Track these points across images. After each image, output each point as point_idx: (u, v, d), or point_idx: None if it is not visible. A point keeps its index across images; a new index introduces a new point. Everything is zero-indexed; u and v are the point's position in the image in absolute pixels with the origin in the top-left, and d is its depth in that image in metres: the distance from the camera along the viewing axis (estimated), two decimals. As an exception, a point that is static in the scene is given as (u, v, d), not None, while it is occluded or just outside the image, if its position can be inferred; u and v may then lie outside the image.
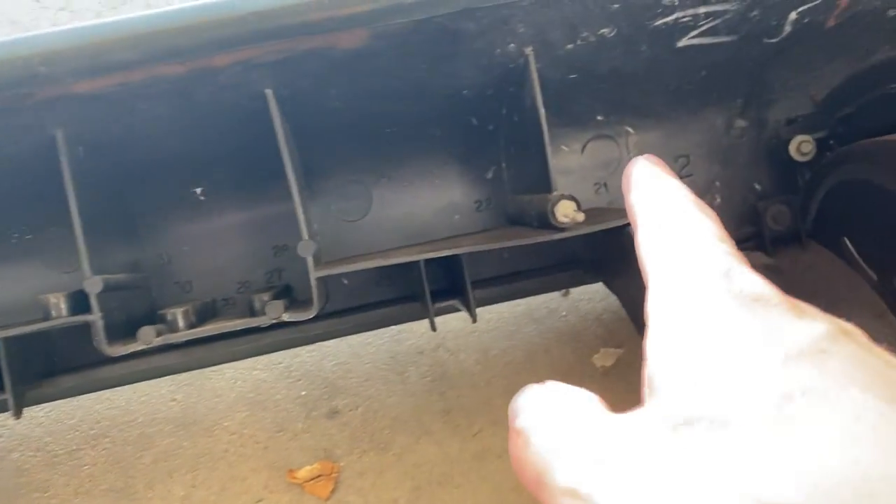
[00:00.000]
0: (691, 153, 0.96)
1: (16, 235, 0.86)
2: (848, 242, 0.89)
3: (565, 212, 0.76)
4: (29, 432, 0.99)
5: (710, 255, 0.33)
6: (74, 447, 0.97)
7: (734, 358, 0.28)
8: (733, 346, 0.28)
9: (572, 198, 0.77)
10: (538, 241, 0.77)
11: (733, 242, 0.35)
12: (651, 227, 0.38)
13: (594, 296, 1.09)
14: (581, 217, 0.75)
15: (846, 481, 0.22)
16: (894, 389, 0.25)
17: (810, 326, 0.29)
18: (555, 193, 0.77)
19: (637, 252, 0.38)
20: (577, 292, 1.08)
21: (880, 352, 0.28)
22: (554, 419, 0.32)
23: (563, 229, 0.76)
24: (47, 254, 0.87)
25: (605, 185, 0.96)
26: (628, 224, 0.81)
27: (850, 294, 0.86)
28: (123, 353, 0.72)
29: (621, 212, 0.81)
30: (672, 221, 0.37)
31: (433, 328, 0.81)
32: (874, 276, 0.86)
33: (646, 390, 0.30)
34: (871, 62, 0.86)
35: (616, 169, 0.95)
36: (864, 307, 0.85)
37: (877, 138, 0.81)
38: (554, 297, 1.08)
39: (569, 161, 0.95)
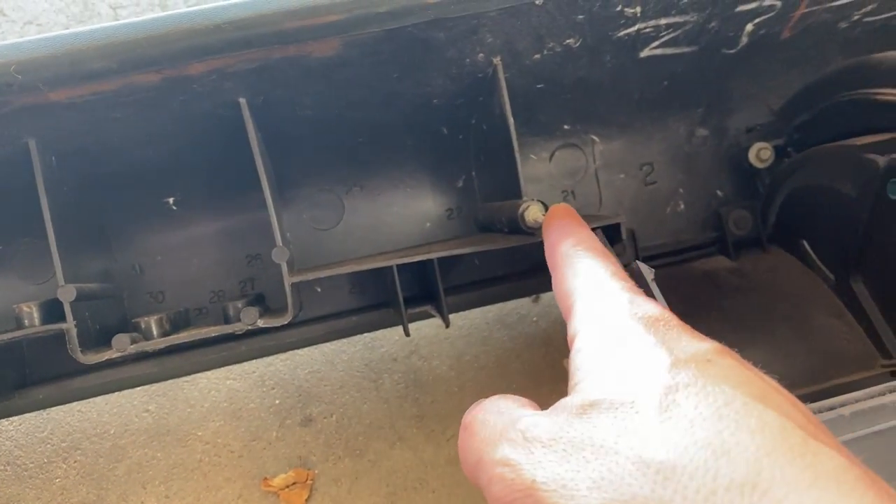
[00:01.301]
0: (655, 161, 0.99)
1: (-15, 247, 0.86)
2: (806, 245, 0.92)
3: (535, 216, 0.78)
4: (-2, 446, 0.98)
5: (616, 289, 0.42)
6: (45, 460, 0.96)
7: (634, 360, 0.35)
8: (634, 351, 0.36)
9: (541, 202, 0.79)
10: (509, 245, 0.79)
11: (632, 281, 0.45)
12: (570, 273, 0.47)
13: (563, 301, 1.10)
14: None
15: (709, 445, 0.28)
16: (758, 390, 0.32)
17: (699, 343, 0.37)
18: (524, 199, 0.79)
19: (556, 290, 0.48)
20: (548, 297, 1.10)
21: (754, 368, 0.36)
22: (493, 415, 0.39)
23: (532, 233, 0.79)
24: (18, 265, 0.86)
25: (573, 192, 0.98)
26: (595, 228, 0.83)
27: (810, 294, 0.89)
28: (98, 362, 0.72)
29: (590, 218, 0.83)
30: (583, 265, 0.47)
31: (407, 334, 0.82)
32: (832, 277, 0.89)
33: (570, 385, 0.38)
34: (825, 72, 0.90)
35: (583, 177, 0.98)
36: (822, 307, 0.88)
37: (830, 144, 0.84)
38: (524, 302, 1.10)
39: (537, 169, 0.97)
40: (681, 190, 0.99)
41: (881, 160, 0.78)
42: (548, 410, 0.37)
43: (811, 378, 0.83)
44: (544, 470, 0.32)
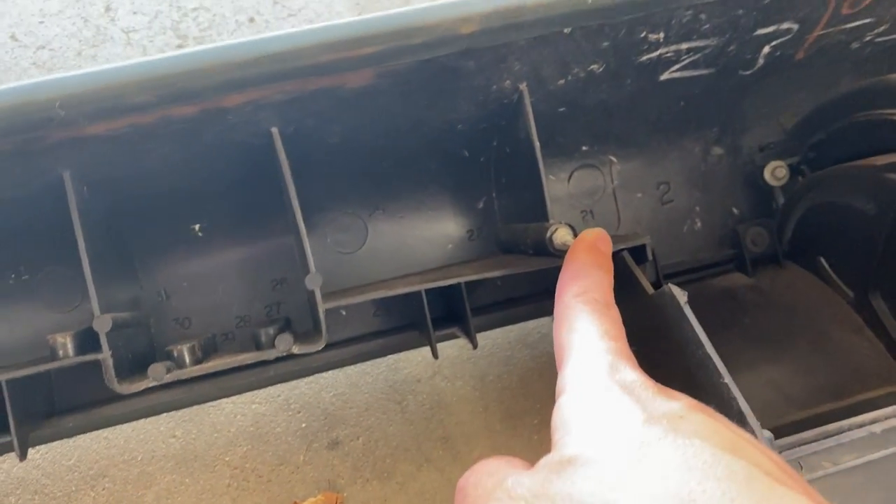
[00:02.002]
0: (671, 180, 1.00)
1: (13, 276, 0.86)
2: (824, 262, 0.94)
3: (563, 239, 0.79)
4: (25, 475, 0.97)
5: (602, 350, 0.45)
6: (73, 488, 0.96)
7: (610, 418, 0.38)
8: (610, 411, 0.38)
9: (569, 225, 0.80)
10: (537, 268, 0.80)
11: (623, 340, 0.48)
12: (565, 327, 0.51)
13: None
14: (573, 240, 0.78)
15: (677, 495, 0.30)
16: (728, 441, 0.34)
17: (672, 402, 0.39)
18: (552, 221, 0.80)
19: (554, 339, 0.52)
20: (567, 316, 1.10)
21: (726, 420, 0.38)
22: (485, 477, 0.41)
23: (560, 255, 0.80)
24: (45, 293, 0.87)
25: (591, 212, 0.99)
26: (622, 249, 0.85)
27: (828, 311, 0.91)
28: (135, 391, 0.72)
29: (613, 238, 0.84)
30: (579, 321, 0.50)
31: (435, 356, 0.83)
32: (850, 294, 0.91)
33: (552, 443, 0.40)
34: (839, 92, 0.92)
35: (601, 197, 0.99)
36: (841, 323, 0.90)
37: (847, 164, 0.86)
38: (546, 322, 1.10)
39: (556, 190, 0.98)
40: (697, 208, 1.01)
41: (901, 179, 0.79)
42: (532, 468, 0.39)
43: (834, 394, 0.84)
44: None
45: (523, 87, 0.79)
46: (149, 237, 0.87)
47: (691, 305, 0.96)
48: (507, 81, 0.78)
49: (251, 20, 1.24)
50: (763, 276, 0.97)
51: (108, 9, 1.25)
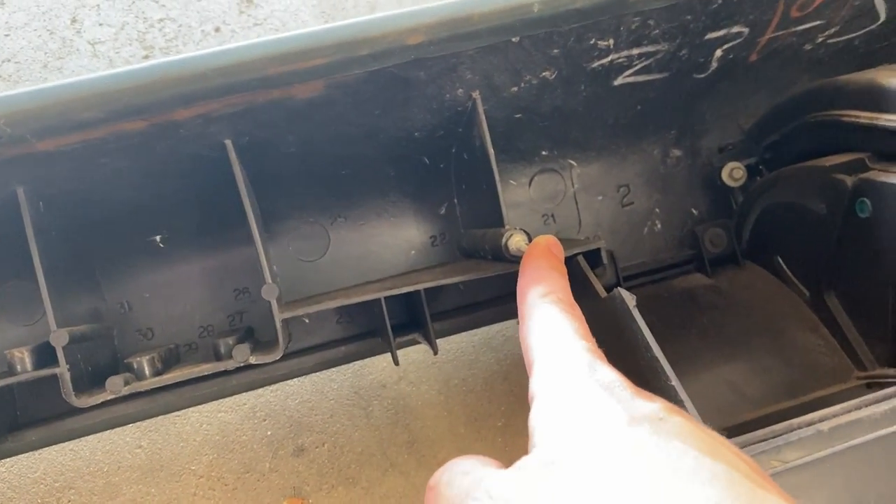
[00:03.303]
0: (631, 182, 1.01)
1: (-27, 291, 0.86)
2: (780, 261, 0.95)
3: (517, 245, 0.80)
4: (-9, 488, 0.97)
5: (578, 350, 0.45)
6: (39, 501, 0.96)
7: (592, 420, 0.37)
8: (592, 412, 0.38)
9: (523, 231, 0.81)
10: (494, 273, 0.81)
11: (593, 340, 0.47)
12: (535, 327, 0.49)
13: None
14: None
15: (666, 498, 0.31)
16: (707, 445, 0.34)
17: (652, 404, 0.38)
18: (507, 227, 0.81)
19: (521, 341, 0.50)
20: (531, 320, 1.11)
21: (701, 424, 0.38)
22: (459, 476, 0.41)
23: (515, 261, 0.80)
24: (6, 307, 0.87)
25: (553, 216, 1.00)
26: (577, 254, 0.86)
27: (785, 310, 0.92)
28: (92, 405, 0.72)
29: (570, 242, 0.86)
30: (549, 320, 0.49)
31: (396, 363, 0.84)
32: (806, 292, 0.92)
33: (530, 445, 0.40)
34: (793, 93, 0.93)
35: (562, 200, 1.00)
36: (798, 322, 0.91)
37: (800, 164, 0.87)
38: (510, 324, 1.11)
39: (517, 195, 0.99)
40: (657, 210, 1.02)
41: (849, 180, 0.81)
42: (510, 469, 0.38)
43: (789, 392, 0.85)
44: None
45: (476, 95, 0.79)
46: (110, 249, 0.88)
47: (651, 307, 0.97)
48: (460, 90, 0.79)
49: (217, 30, 1.24)
50: (722, 276, 0.98)
51: (73, 21, 1.25)
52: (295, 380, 1.06)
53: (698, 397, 0.86)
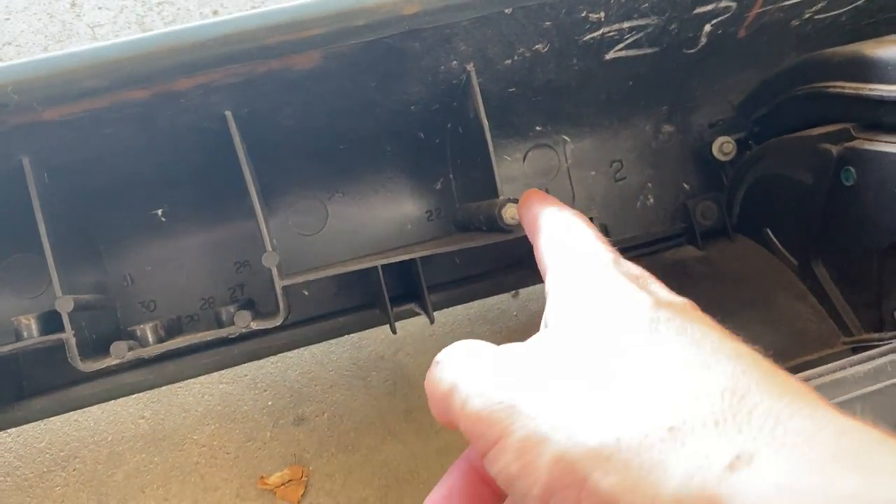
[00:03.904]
0: (624, 158, 1.03)
1: (-22, 263, 0.88)
2: (770, 232, 0.97)
3: (512, 214, 0.82)
4: (-2, 457, 1.00)
5: (599, 249, 0.43)
6: (45, 469, 0.98)
7: (618, 301, 0.36)
8: (618, 295, 0.37)
9: (517, 201, 0.83)
10: (488, 242, 0.83)
11: (609, 242, 0.45)
12: (548, 234, 0.48)
13: (541, 295, 1.13)
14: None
15: (692, 363, 0.31)
16: (727, 336, 0.36)
17: (675, 296, 0.39)
18: (501, 198, 0.83)
19: (536, 253, 0.48)
20: (526, 293, 1.14)
21: (717, 324, 0.39)
22: (463, 352, 0.39)
23: (510, 231, 0.82)
24: (11, 279, 0.89)
25: (547, 190, 1.02)
26: (570, 223, 0.87)
27: (774, 280, 0.94)
28: (97, 369, 0.74)
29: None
30: (564, 230, 0.47)
31: (394, 332, 0.86)
32: (795, 262, 0.94)
33: (547, 320, 0.39)
34: (781, 68, 0.95)
35: (556, 175, 1.02)
36: (787, 290, 0.93)
37: (787, 136, 0.89)
38: (505, 298, 1.13)
39: (512, 170, 1.01)
40: (649, 184, 1.04)
41: (834, 149, 0.82)
42: (529, 341, 0.37)
43: (777, 358, 0.86)
44: (530, 387, 0.33)
45: (470, 67, 0.81)
46: (113, 222, 0.89)
47: (644, 278, 0.98)
48: (454, 62, 0.81)
49: (215, 13, 1.26)
50: (713, 248, 1.00)
51: (73, 4, 1.27)
52: (295, 352, 1.08)
53: (688, 363, 0.88)
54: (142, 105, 0.71)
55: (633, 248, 1.01)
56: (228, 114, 0.76)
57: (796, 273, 0.93)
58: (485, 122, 0.82)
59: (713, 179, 1.04)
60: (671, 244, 1.02)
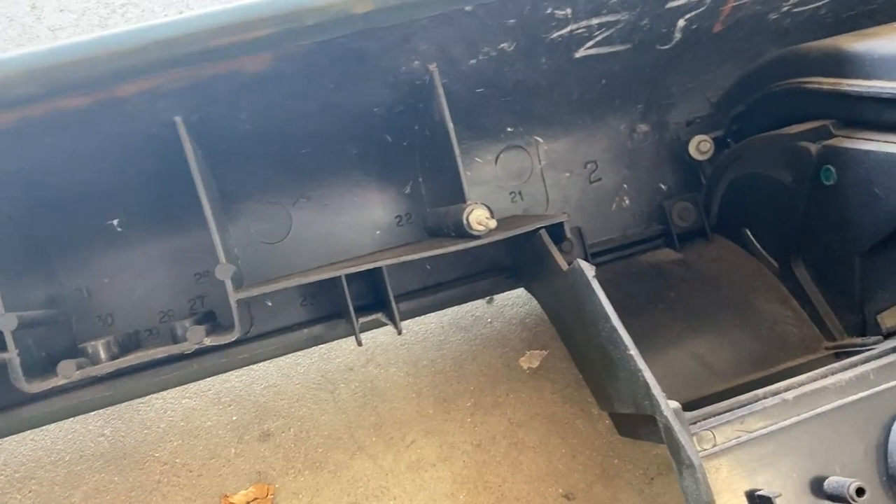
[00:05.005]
0: (599, 158, 1.00)
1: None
2: (749, 233, 0.94)
3: (479, 219, 0.79)
4: (-50, 480, 0.95)
5: None
6: (-1, 492, 0.94)
7: None
8: None
9: (485, 206, 0.80)
10: (455, 249, 0.79)
11: None
12: None
13: (517, 301, 1.11)
14: (493, 224, 0.78)
15: None
16: None
17: None
18: (468, 203, 0.79)
19: None
20: (502, 299, 1.10)
21: None
22: None
23: (478, 236, 0.79)
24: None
25: (520, 193, 0.99)
26: (539, 228, 0.84)
27: (754, 282, 0.91)
28: (43, 390, 0.71)
29: (534, 218, 0.84)
30: None
31: (359, 343, 0.83)
32: (775, 264, 0.91)
33: None
34: (758, 64, 0.92)
35: (529, 178, 0.99)
36: (767, 294, 0.90)
37: (764, 134, 0.86)
38: (479, 305, 1.10)
39: (483, 172, 0.98)
40: (625, 186, 1.01)
41: (813, 147, 0.80)
42: None
43: (758, 364, 0.84)
44: None
45: (433, 67, 0.78)
46: (67, 234, 0.86)
47: (620, 283, 0.96)
48: (416, 62, 0.77)
49: (181, 14, 1.22)
50: (691, 250, 0.98)
51: (33, 7, 1.23)
52: (261, 365, 1.05)
53: (665, 371, 0.85)
54: (83, 112, 0.67)
55: (608, 251, 0.98)
56: (178, 119, 0.72)
57: (777, 275, 0.91)
58: (450, 123, 0.79)
59: (691, 179, 1.01)
60: (648, 246, 1.00)
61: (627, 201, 1.01)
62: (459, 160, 0.80)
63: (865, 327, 0.82)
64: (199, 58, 0.64)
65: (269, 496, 0.99)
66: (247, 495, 0.98)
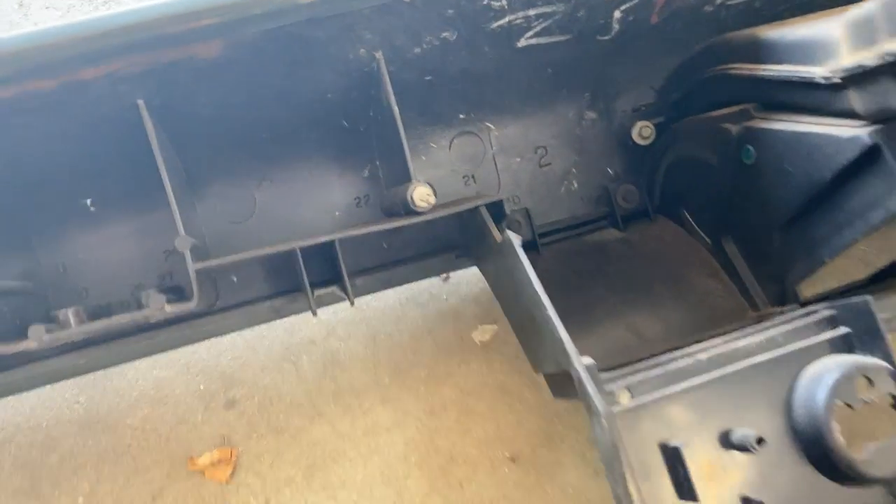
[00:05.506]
0: (548, 144, 1.06)
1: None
2: (686, 213, 0.99)
3: (422, 196, 0.85)
4: (-68, 444, 1.02)
5: None
6: (-21, 456, 1.01)
7: None
8: None
9: (427, 184, 0.86)
10: (399, 225, 0.85)
11: None
12: None
13: (472, 280, 1.18)
14: (433, 199, 0.84)
15: None
16: None
17: None
18: (413, 181, 0.85)
19: None
20: (457, 277, 1.17)
21: None
22: None
23: (421, 212, 0.85)
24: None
25: (473, 177, 1.04)
26: (480, 205, 0.90)
27: (688, 258, 0.97)
28: (15, 352, 0.76)
29: (478, 197, 0.90)
30: None
31: (314, 313, 0.88)
32: (708, 241, 0.96)
33: None
34: (692, 52, 0.97)
35: (481, 162, 1.04)
36: (700, 268, 0.96)
37: (692, 117, 0.92)
38: (435, 282, 1.16)
39: (438, 157, 1.03)
40: (574, 170, 1.06)
41: (734, 129, 0.85)
42: None
43: (687, 333, 0.89)
44: None
45: (379, 55, 0.84)
46: (42, 213, 0.92)
47: (565, 261, 1.02)
48: (362, 50, 0.83)
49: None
50: (634, 230, 1.03)
51: (21, 5, 1.29)
52: (228, 338, 1.11)
53: (600, 340, 0.91)
54: (51, 94, 0.73)
55: (556, 231, 1.04)
56: (141, 102, 0.78)
57: (710, 251, 0.96)
58: (395, 107, 0.84)
59: (636, 164, 1.06)
60: (594, 227, 1.05)
61: (576, 185, 1.06)
62: (405, 142, 0.85)
63: (786, 297, 0.87)
64: (153, 44, 0.70)
65: (232, 458, 1.05)
66: (211, 457, 1.04)
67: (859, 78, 0.67)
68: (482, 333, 1.12)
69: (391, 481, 1.00)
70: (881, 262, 0.86)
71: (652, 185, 1.03)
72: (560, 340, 0.69)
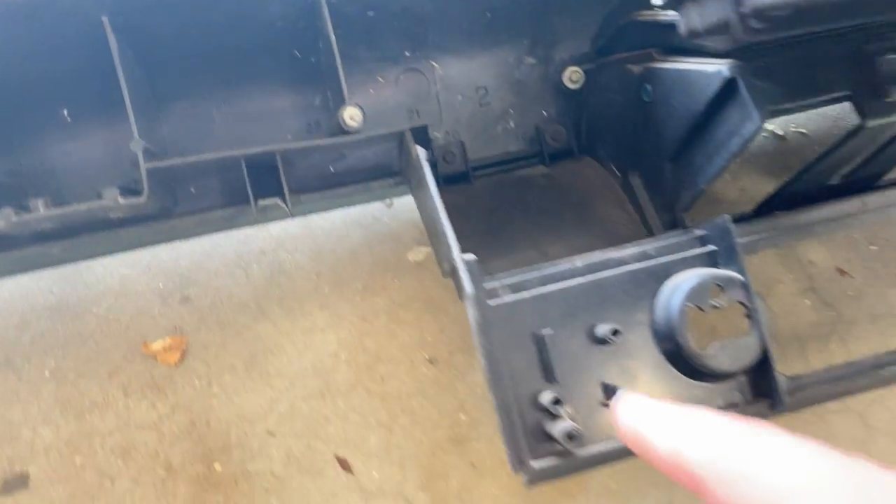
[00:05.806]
0: (488, 85, 1.15)
1: None
2: (602, 150, 1.09)
3: (351, 115, 0.95)
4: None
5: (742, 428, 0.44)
6: (-41, 332, 1.14)
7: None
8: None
9: (357, 105, 0.96)
10: (331, 143, 0.96)
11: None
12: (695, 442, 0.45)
13: (412, 206, 1.28)
14: (360, 117, 0.94)
15: None
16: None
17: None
18: (346, 104, 0.95)
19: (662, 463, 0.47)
20: (400, 204, 1.27)
21: None
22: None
23: (351, 132, 0.95)
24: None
25: (417, 111, 1.14)
26: (406, 129, 0.99)
27: (601, 191, 1.06)
28: (-14, 228, 0.88)
29: (408, 124, 0.99)
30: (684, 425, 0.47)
31: (256, 219, 0.99)
32: (619, 176, 1.06)
33: None
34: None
35: (426, 98, 1.14)
36: (609, 199, 1.05)
37: (602, 60, 1.01)
38: (379, 206, 1.27)
39: (384, 91, 1.13)
40: (511, 111, 1.15)
41: (636, 69, 0.94)
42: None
43: (587, 249, 0.99)
44: None
45: (317, -14, 0.94)
46: (24, 121, 1.03)
47: (494, 192, 1.12)
48: (301, -19, 0.93)
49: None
50: (560, 167, 1.12)
51: None
52: (187, 245, 1.23)
53: (507, 254, 1.01)
54: (24, 5, 0.84)
55: (490, 165, 1.13)
56: (105, 19, 0.89)
57: (620, 185, 1.05)
58: (332, 35, 0.94)
59: (569, 107, 1.15)
60: (526, 164, 1.14)
61: (512, 124, 1.15)
62: (340, 67, 0.95)
63: (676, 225, 0.96)
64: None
65: (182, 346, 1.17)
66: (164, 344, 1.17)
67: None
68: (417, 254, 1.22)
69: (321, 373, 1.12)
70: (760, 195, 0.95)
71: (579, 125, 1.12)
72: (444, 235, 0.79)
